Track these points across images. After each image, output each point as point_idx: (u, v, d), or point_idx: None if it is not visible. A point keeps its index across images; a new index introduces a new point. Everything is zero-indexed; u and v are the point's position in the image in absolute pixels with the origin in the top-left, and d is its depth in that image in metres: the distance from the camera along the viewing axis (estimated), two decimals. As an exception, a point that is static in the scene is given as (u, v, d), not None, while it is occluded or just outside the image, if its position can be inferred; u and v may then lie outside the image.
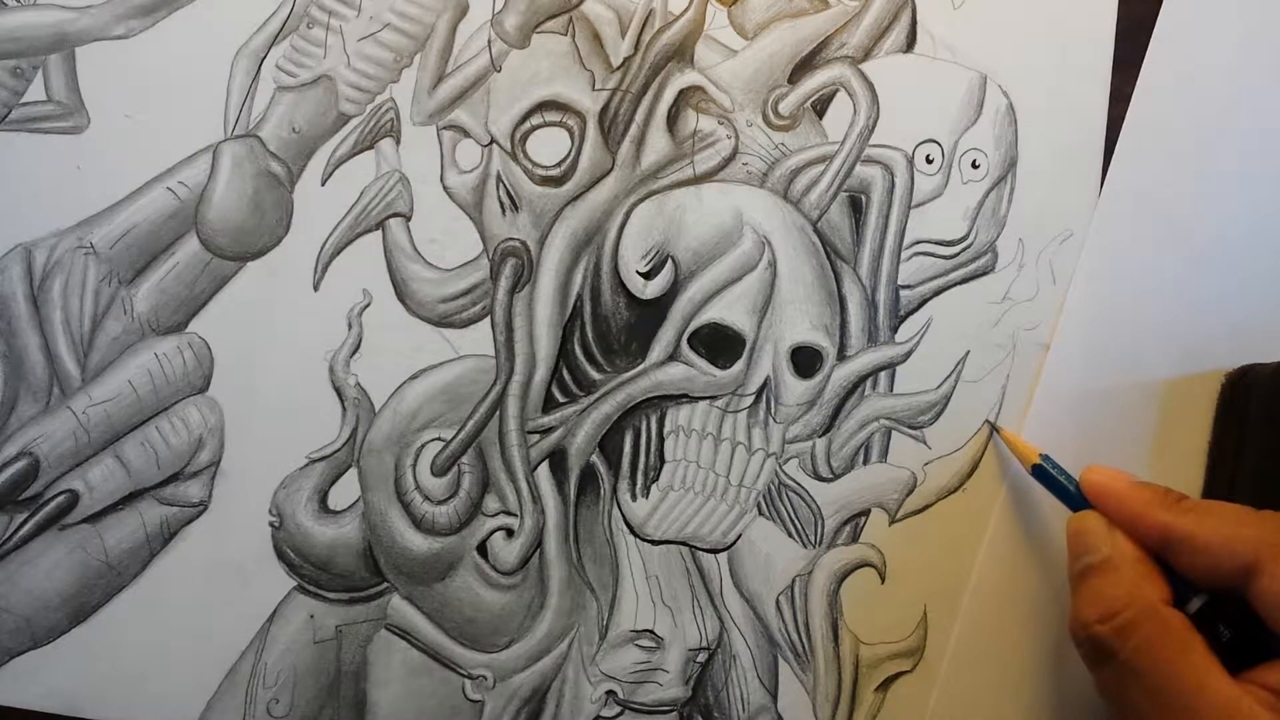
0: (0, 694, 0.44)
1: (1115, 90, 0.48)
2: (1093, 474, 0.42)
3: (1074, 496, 0.43)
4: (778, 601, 0.47)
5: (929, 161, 0.48)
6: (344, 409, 0.46)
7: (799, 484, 0.47)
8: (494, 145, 0.47)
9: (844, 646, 0.47)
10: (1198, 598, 0.38)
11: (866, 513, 0.47)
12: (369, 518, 0.46)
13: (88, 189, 0.46)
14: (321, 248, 0.46)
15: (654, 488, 0.47)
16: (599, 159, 0.47)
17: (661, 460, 0.47)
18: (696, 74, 0.47)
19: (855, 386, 0.47)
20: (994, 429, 0.47)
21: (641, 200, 0.47)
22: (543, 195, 0.47)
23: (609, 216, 0.47)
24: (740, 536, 0.47)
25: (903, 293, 0.48)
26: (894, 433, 0.47)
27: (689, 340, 0.47)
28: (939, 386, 0.47)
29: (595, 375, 0.47)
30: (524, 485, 0.46)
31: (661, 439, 0.47)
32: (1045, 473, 0.44)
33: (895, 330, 0.48)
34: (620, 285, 0.47)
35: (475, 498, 0.46)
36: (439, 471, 0.46)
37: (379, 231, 0.46)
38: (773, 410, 0.47)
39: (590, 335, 0.47)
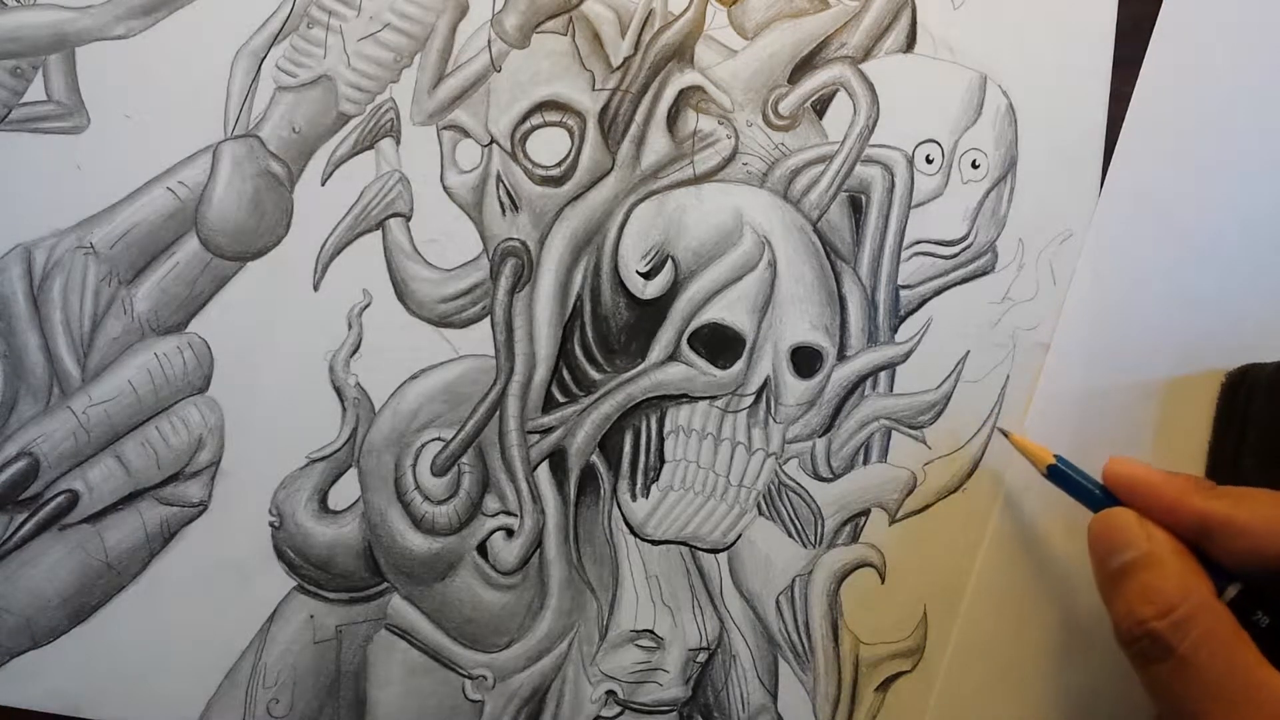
0: (0, 694, 0.44)
1: (1115, 90, 0.48)
2: (1119, 465, 0.41)
3: (1094, 495, 0.41)
4: (778, 601, 0.47)
5: (929, 161, 0.48)
6: (344, 409, 0.46)
7: (799, 484, 0.47)
8: (494, 145, 0.47)
9: (844, 646, 0.47)
10: (1233, 585, 0.38)
11: (866, 513, 0.47)
12: (369, 518, 0.46)
13: (88, 189, 0.46)
14: (321, 248, 0.46)
15: (654, 488, 0.47)
16: (599, 159, 0.47)
17: (661, 460, 0.47)
18: (696, 74, 0.47)
19: (855, 386, 0.47)
20: (1005, 435, 0.46)
21: (641, 200, 0.47)
22: (543, 195, 0.47)
23: (609, 216, 0.47)
24: (740, 536, 0.47)
25: (903, 293, 0.48)
26: (894, 433, 0.47)
27: (689, 340, 0.47)
28: (939, 386, 0.47)
29: (595, 375, 0.47)
30: (524, 485, 0.46)
31: (661, 439, 0.47)
32: (1062, 474, 0.43)
33: (895, 330, 0.48)
34: (620, 285, 0.47)
35: (475, 498, 0.46)
36: (439, 471, 0.46)
37: (379, 231, 0.46)
38: (773, 410, 0.47)
39: (590, 335, 0.47)
